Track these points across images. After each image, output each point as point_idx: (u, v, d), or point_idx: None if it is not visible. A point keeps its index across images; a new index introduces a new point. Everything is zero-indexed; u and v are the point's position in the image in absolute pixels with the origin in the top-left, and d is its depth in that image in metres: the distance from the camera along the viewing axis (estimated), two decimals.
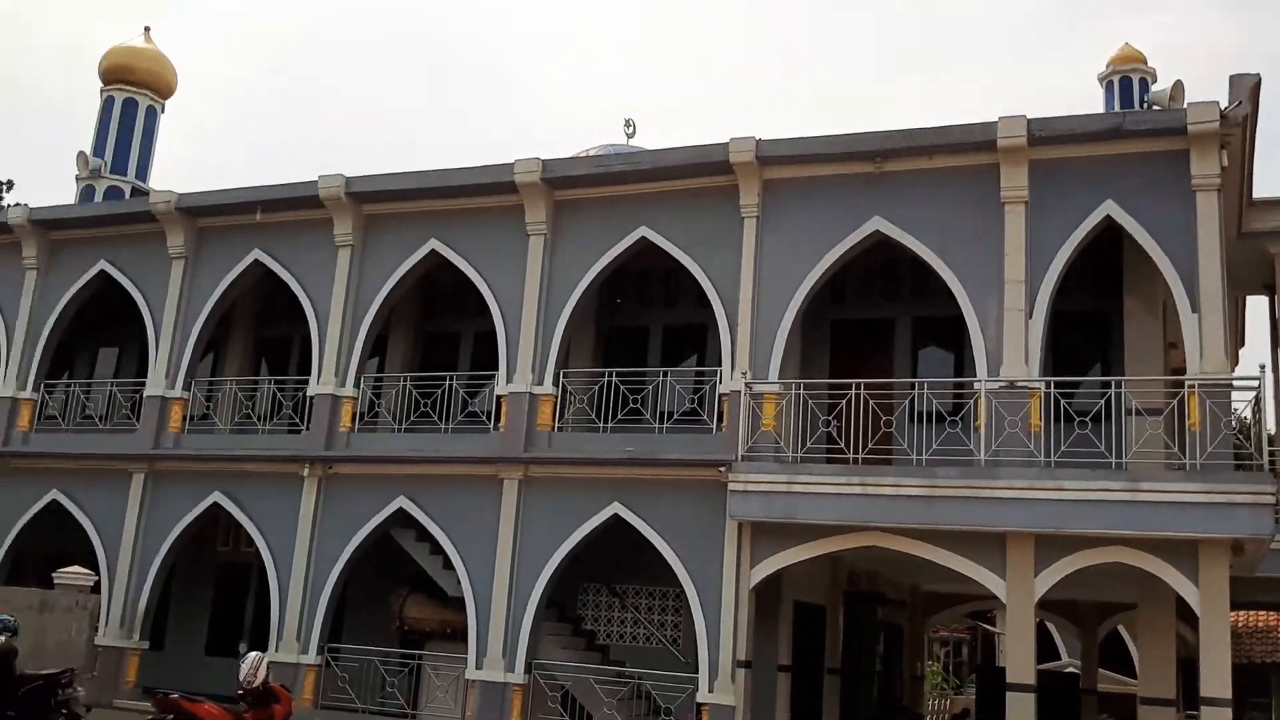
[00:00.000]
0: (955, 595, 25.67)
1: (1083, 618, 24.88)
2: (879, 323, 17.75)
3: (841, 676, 19.09)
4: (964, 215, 15.03)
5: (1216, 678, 12.65)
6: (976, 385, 14.43)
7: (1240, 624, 24.31)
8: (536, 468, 16.75)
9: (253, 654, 10.66)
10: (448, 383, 18.03)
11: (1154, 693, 14.51)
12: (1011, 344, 14.37)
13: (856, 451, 14.69)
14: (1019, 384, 14.15)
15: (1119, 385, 14.02)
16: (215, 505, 18.84)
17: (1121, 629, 29.06)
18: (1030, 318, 14.37)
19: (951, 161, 15.19)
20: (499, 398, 17.29)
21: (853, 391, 14.83)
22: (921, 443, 14.59)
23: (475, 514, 16.92)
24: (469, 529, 16.93)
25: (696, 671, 15.23)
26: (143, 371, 20.35)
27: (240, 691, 10.62)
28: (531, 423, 16.93)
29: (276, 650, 17.63)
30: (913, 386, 15.23)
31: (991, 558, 13.99)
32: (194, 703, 10.02)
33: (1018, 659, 13.71)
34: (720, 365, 16.08)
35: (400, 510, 17.48)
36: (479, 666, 16.30)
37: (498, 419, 17.29)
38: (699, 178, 16.50)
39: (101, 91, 26.42)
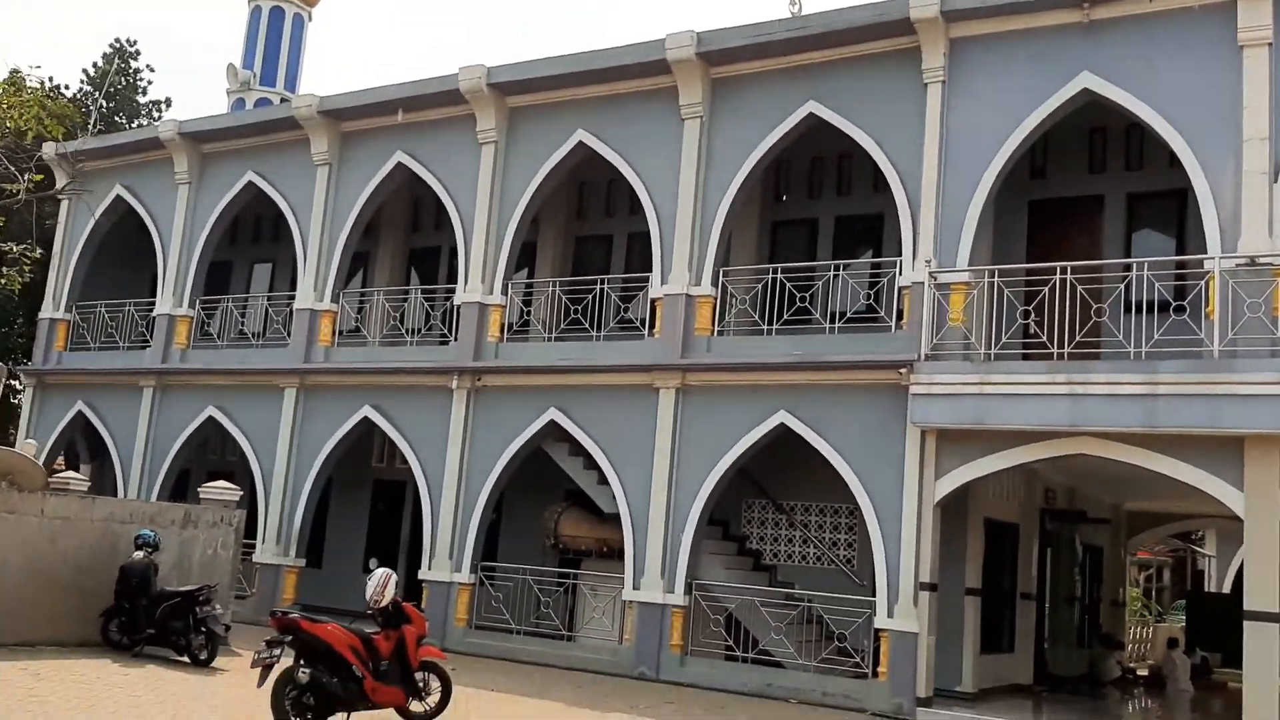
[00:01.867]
0: (1161, 514, 23.26)
1: None
2: (1085, 201, 15.48)
3: (1037, 601, 17.20)
4: (1192, 65, 12.67)
5: None
6: (1208, 264, 12.21)
7: None
8: (695, 375, 15.37)
9: (379, 570, 9.70)
10: (599, 287, 16.75)
11: None
12: (1252, 214, 12.07)
13: (1061, 346, 12.73)
14: (1261, 260, 11.86)
15: None
16: (366, 420, 18.23)
17: None
18: (1276, 181, 12.01)
19: (1176, 1, 12.79)
20: (654, 301, 15.92)
21: (1056, 277, 12.81)
22: (1140, 335, 12.50)
23: (631, 426, 15.71)
24: (624, 442, 15.73)
25: (873, 594, 13.71)
26: (296, 286, 19.87)
27: (368, 611, 9.69)
28: (689, 327, 15.52)
29: (430, 569, 16.99)
30: (1128, 269, 13.05)
31: (1227, 466, 11.89)
32: (315, 623, 9.15)
33: (1258, 583, 11.64)
34: (900, 256, 14.24)
35: (552, 423, 16.42)
36: (637, 587, 15.18)
37: (653, 324, 15.95)
38: (875, 41, 14.56)
39: (249, 1, 25.97)
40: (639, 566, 15.23)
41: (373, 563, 10.42)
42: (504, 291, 17.43)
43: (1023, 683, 16.45)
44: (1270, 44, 12.22)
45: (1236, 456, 11.85)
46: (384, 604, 9.56)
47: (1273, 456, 11.64)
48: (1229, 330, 11.91)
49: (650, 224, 16.04)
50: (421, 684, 9.91)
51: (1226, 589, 31.16)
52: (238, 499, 15.74)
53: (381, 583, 9.57)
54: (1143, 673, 21.63)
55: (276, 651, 9.21)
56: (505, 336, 17.42)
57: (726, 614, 15.11)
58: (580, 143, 16.87)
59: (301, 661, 9.16)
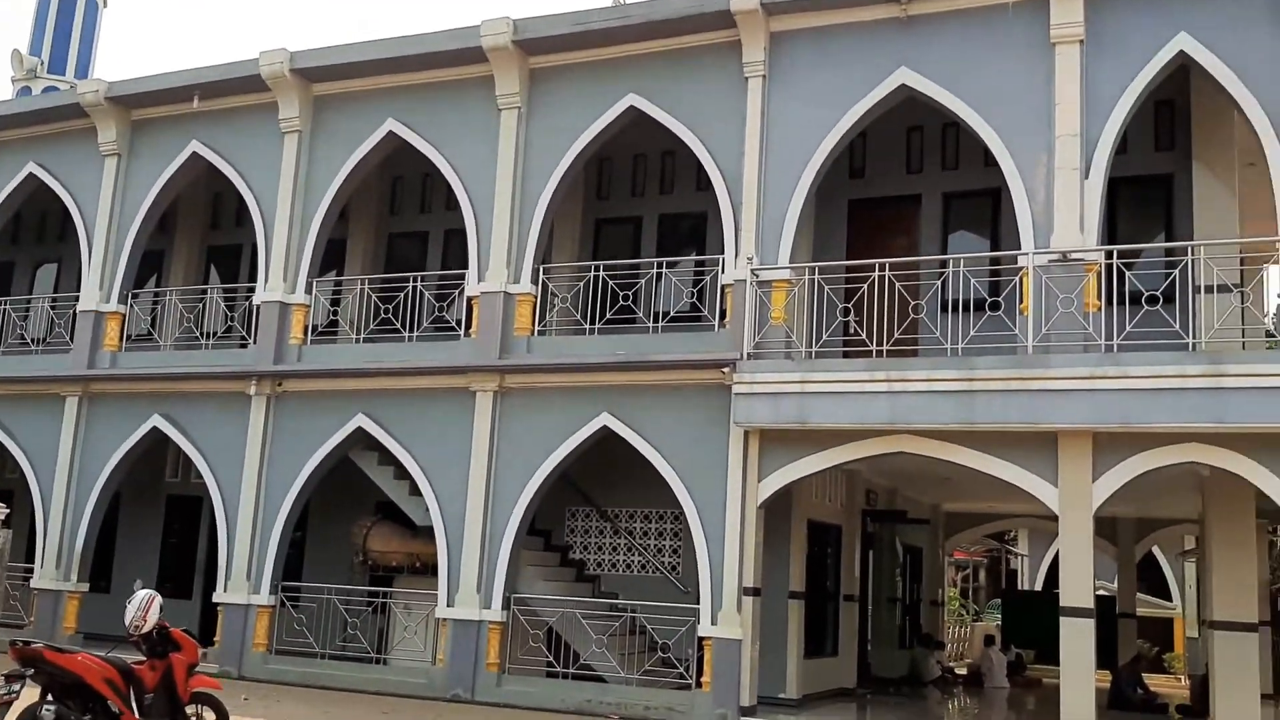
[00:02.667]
0: (977, 514, 23.79)
1: (1121, 536, 22.94)
2: (903, 200, 15.46)
3: (860, 603, 17.11)
4: (1006, 62, 12.70)
5: None
6: (1022, 260, 12.23)
7: None
8: (514, 376, 14.63)
9: (141, 592, 8.59)
10: (412, 285, 15.80)
11: (1230, 616, 12.47)
12: (1064, 210, 12.14)
13: (880, 343, 12.56)
14: (1073, 255, 11.95)
15: (1194, 253, 11.78)
16: (156, 431, 16.76)
17: (1157, 550, 27.24)
18: (1086, 178, 12.12)
19: None
20: (470, 300, 15.10)
21: (875, 274, 12.64)
22: (957, 332, 12.44)
23: (445, 432, 14.84)
24: (438, 449, 14.85)
25: (698, 602, 13.23)
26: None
27: (129, 638, 8.56)
28: (508, 326, 14.76)
29: (225, 590, 15.68)
30: (945, 265, 12.99)
31: (1041, 461, 11.90)
32: (62, 653, 8.02)
33: (1073, 579, 11.67)
34: (723, 253, 13.86)
35: (360, 430, 15.39)
36: (451, 604, 14.30)
37: (470, 324, 15.13)
38: (696, 33, 14.15)
39: None
40: (453, 582, 14.35)
41: (137, 584, 9.29)
42: (308, 290, 16.30)
43: (847, 686, 16.30)
44: (1081, 41, 12.33)
45: (1051, 452, 11.87)
46: (146, 629, 8.46)
47: (1085, 451, 11.69)
48: (1043, 326, 11.94)
49: (466, 219, 15.24)
50: (193, 718, 8.85)
51: (1039, 587, 32.29)
52: (3, 518, 14.13)
53: (143, 606, 8.47)
54: (962, 671, 21.96)
55: (16, 687, 8.03)
56: (309, 338, 16.29)
57: (547, 629, 14.39)
58: (391, 133, 15.93)
59: (48, 697, 8.00)
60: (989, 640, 21.51)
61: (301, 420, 15.79)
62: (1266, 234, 14.16)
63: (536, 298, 14.96)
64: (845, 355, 13.23)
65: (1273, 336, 11.37)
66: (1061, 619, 11.61)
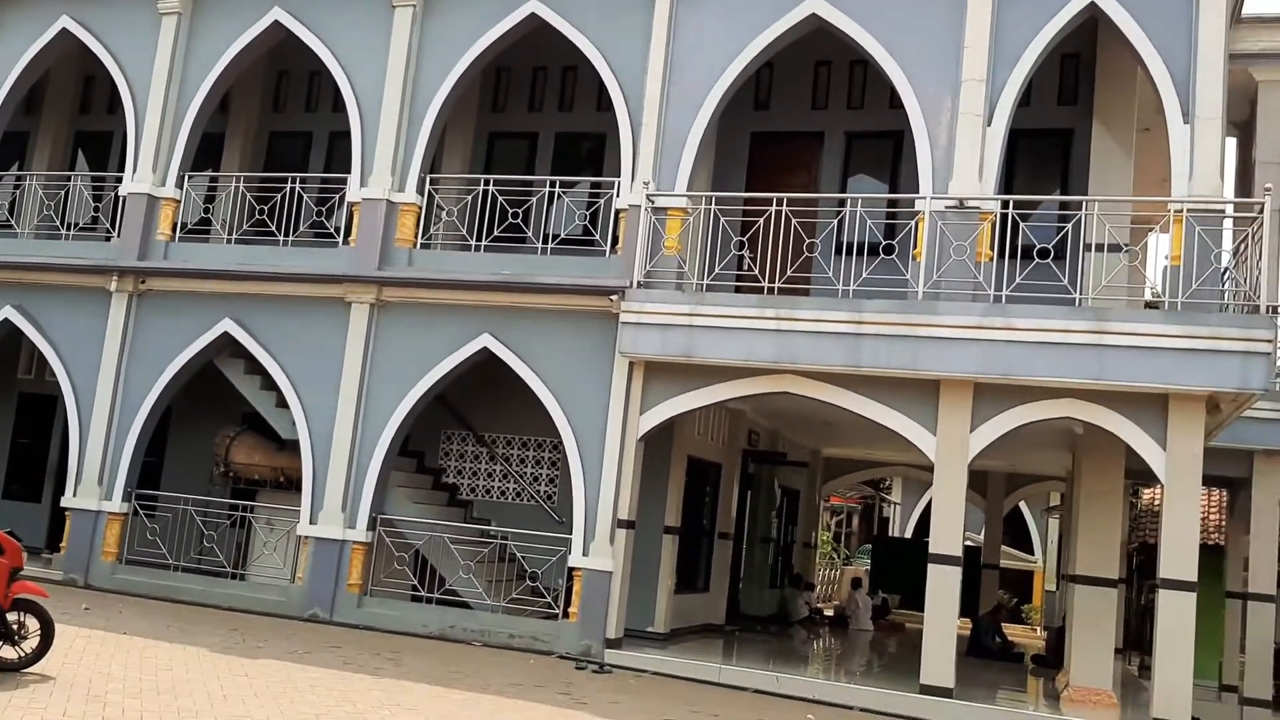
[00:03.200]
0: (856, 461, 24.07)
1: (991, 490, 23.45)
2: (806, 137, 15.15)
3: (734, 542, 17.09)
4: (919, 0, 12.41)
5: (1180, 557, 10.79)
6: (919, 204, 12.06)
7: (1158, 501, 23.11)
8: (392, 290, 14.01)
9: None
10: (290, 186, 14.95)
11: (1092, 571, 12.70)
12: (964, 156, 11.97)
13: (773, 281, 12.31)
14: (970, 202, 11.82)
15: (1087, 208, 11.75)
16: (9, 323, 15.69)
17: (1023, 505, 28.02)
18: (989, 125, 11.96)
19: None
20: (351, 206, 14.37)
21: (772, 209, 12.34)
22: (850, 273, 12.26)
23: (317, 343, 14.19)
24: (309, 361, 14.19)
25: (571, 532, 12.94)
26: None
27: None
28: (389, 237, 14.10)
29: (75, 495, 14.86)
30: (843, 204, 12.76)
31: (923, 409, 11.85)
32: None
33: (945, 528, 11.70)
34: (619, 177, 13.39)
35: (226, 335, 14.62)
36: (314, 521, 13.76)
37: (349, 233, 14.41)
38: None
39: None
40: (318, 499, 13.81)
41: None
42: (179, 184, 15.35)
43: (715, 623, 16.30)
44: None
45: (932, 400, 11.81)
46: None
47: (966, 401, 11.66)
48: (934, 273, 11.82)
49: (352, 120, 14.44)
50: (16, 626, 8.23)
51: (909, 535, 33.04)
52: None
53: None
54: (829, 612, 22.27)
55: None
56: (178, 236, 15.37)
57: (414, 552, 13.97)
58: (277, 23, 14.96)
59: None
60: (856, 583, 21.83)
61: (165, 321, 14.94)
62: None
63: (421, 209, 14.31)
64: (737, 291, 12.93)
65: (1158, 299, 11.40)
66: (930, 566, 11.65)
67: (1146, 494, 23.47)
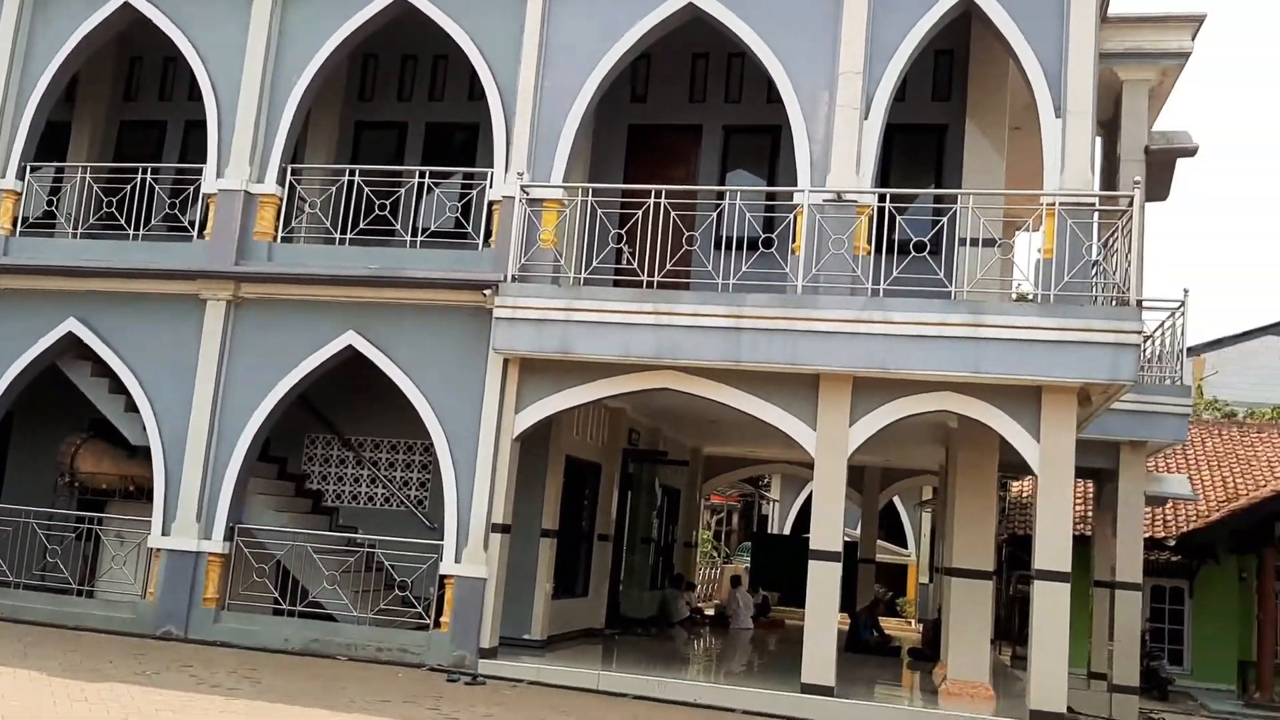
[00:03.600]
0: (736, 458, 24.03)
1: (867, 485, 23.67)
2: (684, 130, 14.91)
3: (614, 543, 16.76)
4: None
5: (1054, 548, 10.87)
6: (798, 198, 11.92)
7: (1026, 493, 23.67)
8: (251, 286, 13.27)
9: None
10: (141, 177, 14.05)
11: (967, 563, 12.75)
12: (842, 150, 11.88)
13: (651, 274, 12.02)
14: (847, 196, 11.72)
15: (962, 201, 11.76)
16: None
17: (897, 499, 28.43)
18: (866, 118, 11.89)
19: None
20: (207, 198, 13.57)
21: (651, 200, 12.05)
22: (729, 267, 12.05)
23: (170, 343, 13.36)
24: (161, 362, 13.36)
25: (444, 538, 12.42)
26: None
27: None
28: (247, 230, 13.37)
29: None
30: (722, 197, 12.54)
31: (802, 404, 11.71)
32: None
33: (825, 524, 11.57)
34: (492, 168, 12.92)
35: (71, 336, 13.67)
36: (166, 532, 12.93)
37: (205, 226, 13.60)
38: None
39: None
40: (171, 509, 12.99)
41: None
42: (20, 176, 14.30)
43: (595, 627, 15.95)
44: None
45: (812, 395, 11.68)
46: None
47: (844, 396, 11.56)
48: (813, 266, 11.69)
49: (208, 107, 13.66)
50: None
51: (788, 531, 33.28)
52: None
53: None
54: (710, 612, 22.14)
55: None
56: (19, 230, 14.31)
57: (275, 563, 13.24)
58: (127, 4, 14.06)
59: None
60: (735, 581, 21.75)
61: (3, 322, 13.89)
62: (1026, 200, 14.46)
63: (282, 200, 13.60)
64: (616, 286, 12.60)
65: (1031, 294, 11.48)
66: (810, 562, 11.51)
67: (1015, 486, 24.02)
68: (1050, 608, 10.78)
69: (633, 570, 18.58)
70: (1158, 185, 16.76)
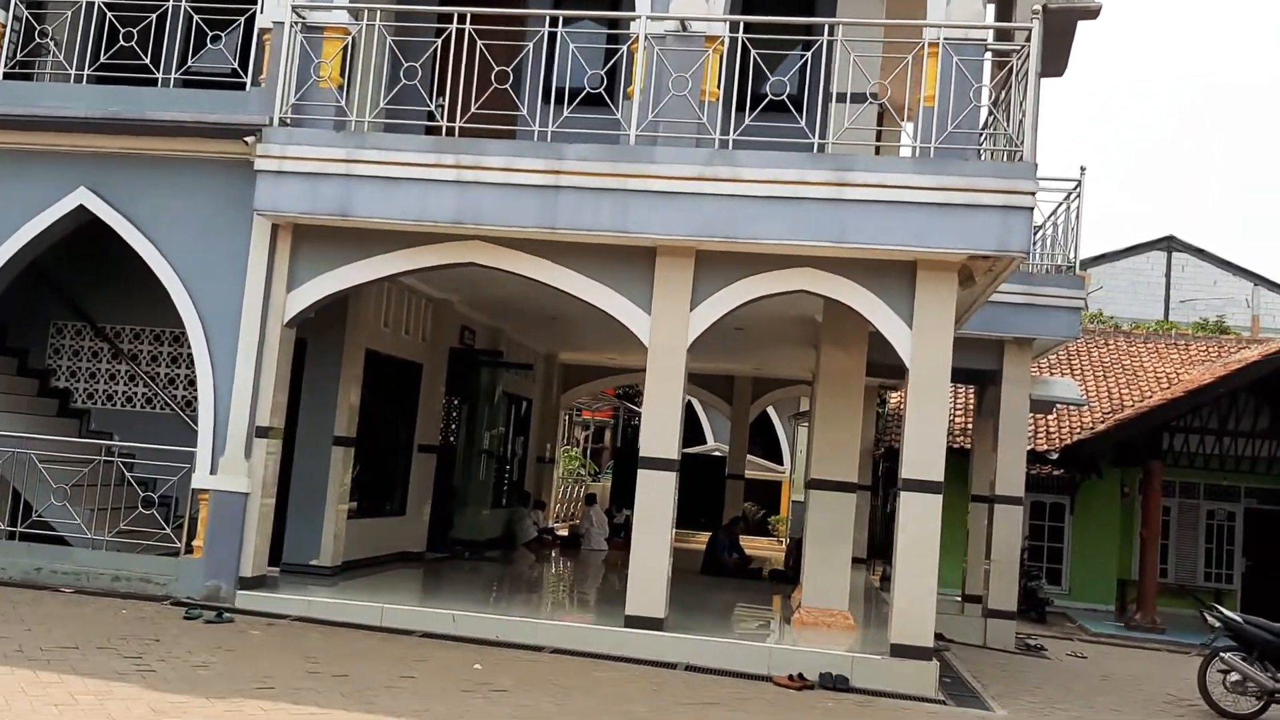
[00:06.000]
0: (597, 367, 21.96)
1: (737, 396, 21.91)
2: None
3: (442, 456, 14.59)
4: None
5: (924, 454, 9.07)
6: (635, 26, 9.69)
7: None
8: None
9: None
10: None
11: (831, 474, 10.90)
12: None
13: (453, 119, 9.73)
14: (694, 25, 9.55)
15: (834, 32, 9.66)
16: None
17: (772, 411, 26.80)
18: None
19: None
20: None
21: (454, 26, 9.69)
22: (550, 114, 9.83)
23: None
24: None
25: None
26: None
27: None
28: None
29: None
30: (545, 22, 10.20)
31: (636, 283, 9.66)
32: None
33: (659, 425, 9.59)
34: None
35: None
36: None
37: None
38: None
39: None
40: None
41: None
42: None
43: (414, 550, 13.85)
44: None
45: (647, 272, 9.63)
46: None
47: (685, 273, 9.53)
48: (650, 112, 9.54)
49: None
50: None
51: None
52: None
53: None
54: (564, 533, 20.25)
55: None
56: None
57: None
58: None
59: None
60: (590, 500, 19.90)
61: None
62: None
63: (5, 28, 10.87)
64: (427, 133, 10.27)
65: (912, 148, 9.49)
66: (639, 471, 9.56)
67: (895, 398, 22.56)
68: (917, 524, 9.02)
69: (470, 487, 16.50)
70: (1054, 56, 14.96)
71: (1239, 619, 10.01)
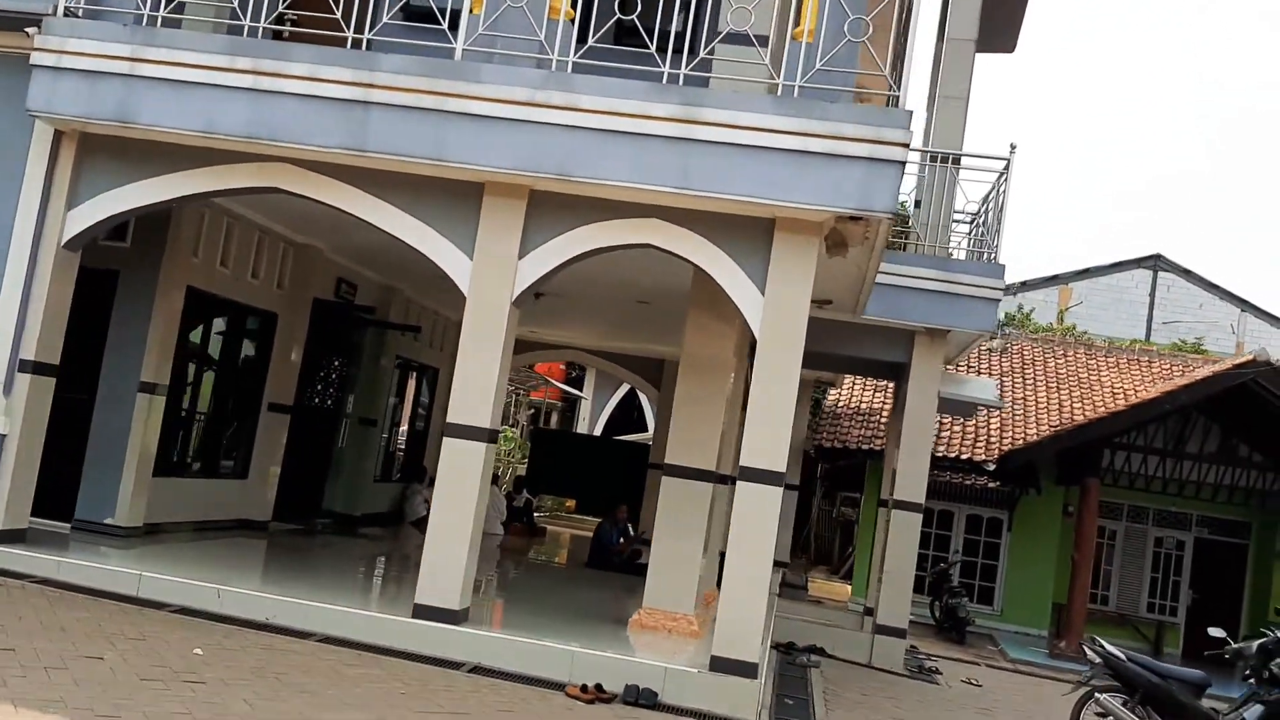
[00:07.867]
0: (522, 341, 20.63)
1: (665, 381, 20.59)
2: None
3: (295, 417, 13.22)
4: None
5: (765, 438, 7.77)
6: None
7: (841, 405, 20.94)
8: None
9: None
10: None
11: (683, 459, 9.60)
12: None
13: (256, 18, 8.44)
14: None
15: None
16: None
17: None
18: None
19: None
20: None
21: None
22: (367, 18, 8.53)
23: None
24: None
25: None
26: None
27: None
28: None
29: None
30: None
31: (458, 223, 8.38)
32: None
33: (472, 387, 8.27)
34: None
35: None
36: None
37: None
38: None
39: None
40: None
41: None
42: None
43: (259, 519, 12.56)
44: None
45: (473, 211, 8.35)
46: None
47: (515, 215, 8.24)
48: (480, 25, 8.25)
49: None
50: None
51: (598, 432, 30.32)
52: None
53: None
54: None
55: None
56: None
57: None
58: None
59: None
60: (494, 480, 18.52)
61: None
62: None
63: None
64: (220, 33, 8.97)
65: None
66: (445, 440, 8.27)
67: (833, 394, 21.34)
68: (753, 520, 7.73)
69: (347, 456, 15.22)
70: (1003, 30, 13.71)
71: (1121, 655, 8.68)
